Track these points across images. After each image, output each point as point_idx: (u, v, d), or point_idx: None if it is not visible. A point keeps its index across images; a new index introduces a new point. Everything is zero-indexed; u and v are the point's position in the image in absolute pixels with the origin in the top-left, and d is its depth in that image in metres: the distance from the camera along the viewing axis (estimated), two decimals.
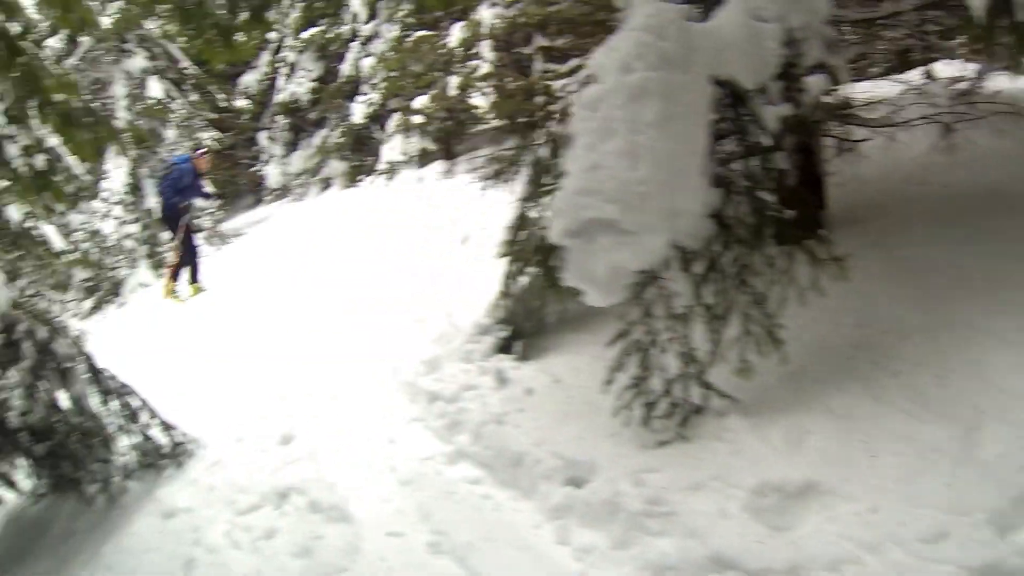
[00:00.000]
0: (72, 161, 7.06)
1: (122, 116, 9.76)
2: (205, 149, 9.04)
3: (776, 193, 2.53)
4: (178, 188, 8.69)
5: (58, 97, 3.49)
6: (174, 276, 9.04)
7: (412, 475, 3.30)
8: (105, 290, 11.25)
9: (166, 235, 9.74)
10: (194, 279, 9.12)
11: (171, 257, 9.13)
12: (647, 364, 2.73)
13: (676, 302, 2.60)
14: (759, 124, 2.50)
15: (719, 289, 2.59)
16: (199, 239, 9.64)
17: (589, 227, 2.41)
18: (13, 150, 6.41)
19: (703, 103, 2.47)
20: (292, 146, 13.93)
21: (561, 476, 2.82)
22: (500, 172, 4.25)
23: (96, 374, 3.97)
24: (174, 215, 8.91)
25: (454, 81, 9.31)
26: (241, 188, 17.26)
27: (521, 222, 5.23)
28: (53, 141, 4.98)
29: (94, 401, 3.96)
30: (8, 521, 4.14)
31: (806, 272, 2.50)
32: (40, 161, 5.94)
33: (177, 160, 9.01)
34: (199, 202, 9.42)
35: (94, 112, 3.58)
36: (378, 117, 11.64)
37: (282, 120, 13.75)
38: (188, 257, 9.07)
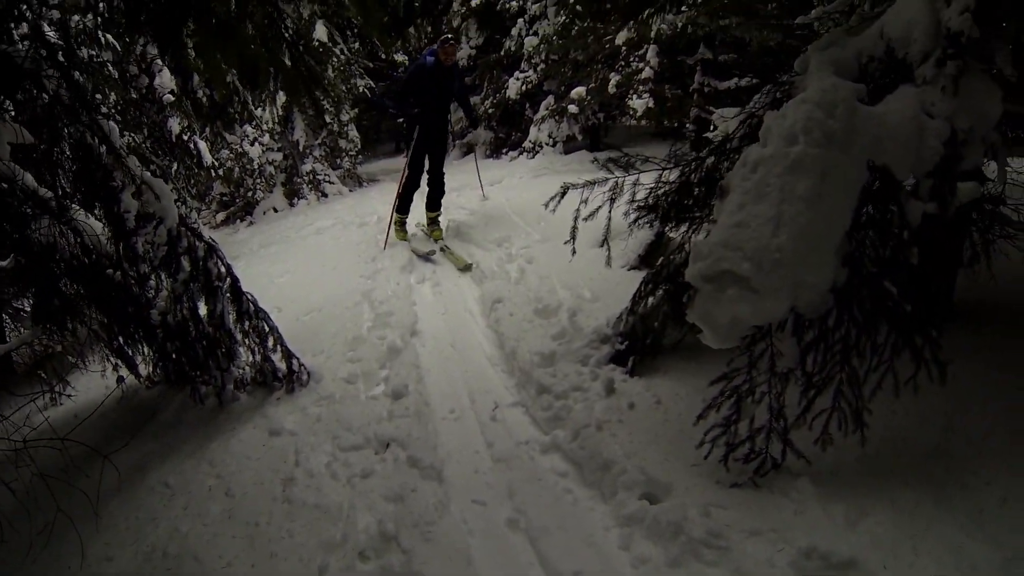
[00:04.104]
0: (247, 95, 7.81)
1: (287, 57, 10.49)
2: (450, 37, 7.43)
3: (902, 284, 2.60)
4: (411, 90, 7.33)
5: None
6: (400, 208, 7.93)
7: (506, 455, 3.64)
8: (238, 207, 12.30)
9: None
10: (430, 207, 7.91)
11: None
12: (739, 409, 2.94)
13: (780, 362, 2.78)
14: (902, 216, 2.60)
15: (822, 360, 2.70)
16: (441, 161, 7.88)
17: (722, 277, 2.57)
18: (196, 80, 7.26)
19: (854, 185, 2.58)
20: None
21: (639, 490, 3.10)
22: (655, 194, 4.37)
23: (238, 295, 4.41)
24: (408, 124, 7.71)
25: (614, 78, 9.58)
26: (383, 136, 18.34)
27: (658, 242, 5.43)
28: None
29: (230, 318, 4.42)
30: (123, 398, 4.58)
31: (908, 366, 2.53)
32: (218, 93, 6.67)
33: (421, 58, 7.46)
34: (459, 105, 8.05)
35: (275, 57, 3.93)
36: (532, 95, 12.01)
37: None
38: (411, 180, 7.73)
